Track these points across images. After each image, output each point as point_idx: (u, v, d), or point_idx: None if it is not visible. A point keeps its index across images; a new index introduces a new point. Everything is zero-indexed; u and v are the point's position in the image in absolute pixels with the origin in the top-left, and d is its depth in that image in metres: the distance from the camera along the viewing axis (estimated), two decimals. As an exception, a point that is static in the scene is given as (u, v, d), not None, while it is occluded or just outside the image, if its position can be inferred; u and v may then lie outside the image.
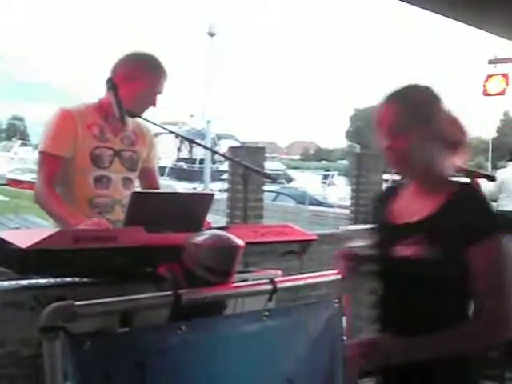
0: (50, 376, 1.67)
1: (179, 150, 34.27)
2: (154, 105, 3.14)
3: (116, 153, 3.12)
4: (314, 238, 2.73)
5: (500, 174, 7.95)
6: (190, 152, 33.90)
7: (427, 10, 6.50)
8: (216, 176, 23.60)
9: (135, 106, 3.06)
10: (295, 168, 49.16)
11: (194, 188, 24.68)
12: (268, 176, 4.73)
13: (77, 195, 3.04)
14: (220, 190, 15.07)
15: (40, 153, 3.06)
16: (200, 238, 2.10)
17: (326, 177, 35.48)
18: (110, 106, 3.06)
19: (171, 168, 32.15)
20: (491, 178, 4.68)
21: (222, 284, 2.10)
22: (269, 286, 2.20)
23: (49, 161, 3.03)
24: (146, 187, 3.33)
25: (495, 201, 8.20)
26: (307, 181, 32.89)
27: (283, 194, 23.26)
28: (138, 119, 3.15)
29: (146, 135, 3.30)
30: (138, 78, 3.06)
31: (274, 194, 22.24)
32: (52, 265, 2.03)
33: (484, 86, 7.92)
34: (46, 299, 1.98)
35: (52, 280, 2.17)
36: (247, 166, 3.39)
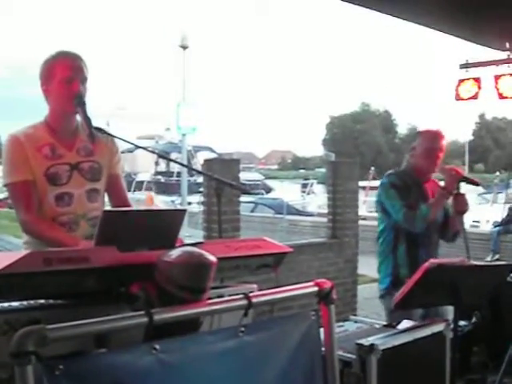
0: (23, 402, 1.63)
1: (157, 163, 34.06)
2: (77, 91, 2.98)
3: (73, 166, 3.07)
4: (289, 250, 2.71)
5: None
6: (168, 165, 33.74)
7: (421, 25, 6.52)
8: (194, 188, 23.45)
9: (62, 98, 3.00)
10: (273, 178, 49.09)
11: (173, 201, 24.55)
12: (241, 188, 4.70)
13: (42, 215, 3.01)
14: (198, 203, 15.02)
15: (6, 185, 3.01)
16: (172, 256, 2.09)
17: (305, 185, 35.34)
18: (56, 121, 3.06)
19: (149, 182, 31.97)
20: (476, 184, 4.71)
21: (196, 301, 2.08)
22: (244, 302, 2.19)
23: (18, 189, 2.99)
24: (113, 195, 3.28)
25: None
26: (286, 190, 32.81)
27: (261, 204, 23.21)
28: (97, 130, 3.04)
29: (106, 143, 3.21)
30: (54, 70, 3.01)
31: (252, 205, 22.19)
32: (24, 288, 1.99)
33: (456, 90, 7.92)
34: (18, 323, 1.95)
35: (25, 303, 2.13)
36: (220, 180, 3.39)
